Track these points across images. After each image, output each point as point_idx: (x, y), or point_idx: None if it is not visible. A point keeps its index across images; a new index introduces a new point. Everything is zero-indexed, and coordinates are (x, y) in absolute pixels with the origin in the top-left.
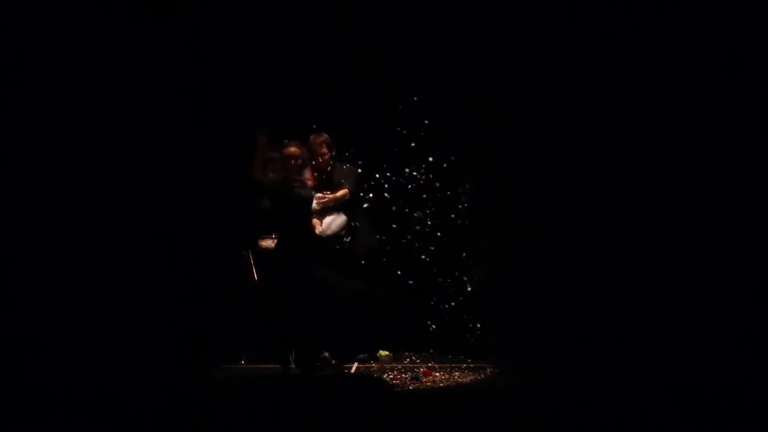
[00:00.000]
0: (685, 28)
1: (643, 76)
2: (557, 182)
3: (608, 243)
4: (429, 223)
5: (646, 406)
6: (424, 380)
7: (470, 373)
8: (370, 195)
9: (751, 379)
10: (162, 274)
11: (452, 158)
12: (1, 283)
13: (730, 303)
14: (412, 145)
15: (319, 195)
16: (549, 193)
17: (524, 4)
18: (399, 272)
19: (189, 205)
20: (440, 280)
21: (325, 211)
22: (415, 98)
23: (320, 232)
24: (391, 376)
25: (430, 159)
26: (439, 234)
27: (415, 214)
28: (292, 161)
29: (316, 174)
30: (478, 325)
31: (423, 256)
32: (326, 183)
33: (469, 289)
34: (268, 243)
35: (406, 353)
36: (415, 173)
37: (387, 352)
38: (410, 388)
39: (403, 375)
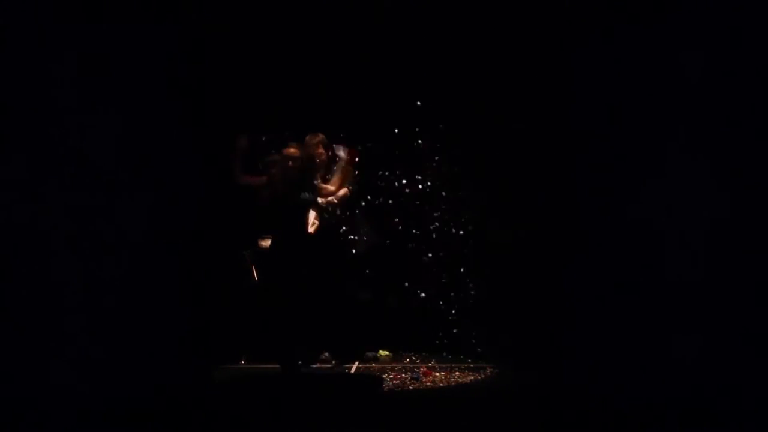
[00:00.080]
0: (684, 28)
1: (643, 77)
2: (557, 182)
3: (608, 243)
4: (431, 225)
5: (646, 406)
6: (424, 380)
7: (470, 373)
8: (369, 197)
9: (751, 379)
10: (162, 275)
11: (453, 159)
12: (1, 283)
13: (730, 303)
14: (414, 145)
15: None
16: (549, 193)
17: (524, 4)
18: (399, 272)
19: (189, 205)
20: (443, 281)
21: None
22: (419, 103)
23: (314, 230)
24: (391, 376)
25: (434, 160)
26: (438, 234)
27: (416, 215)
28: (291, 162)
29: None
30: (478, 326)
31: (423, 257)
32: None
33: (472, 292)
34: (268, 243)
35: (406, 353)
36: (418, 176)
37: (387, 352)
38: (410, 388)
39: (403, 375)
